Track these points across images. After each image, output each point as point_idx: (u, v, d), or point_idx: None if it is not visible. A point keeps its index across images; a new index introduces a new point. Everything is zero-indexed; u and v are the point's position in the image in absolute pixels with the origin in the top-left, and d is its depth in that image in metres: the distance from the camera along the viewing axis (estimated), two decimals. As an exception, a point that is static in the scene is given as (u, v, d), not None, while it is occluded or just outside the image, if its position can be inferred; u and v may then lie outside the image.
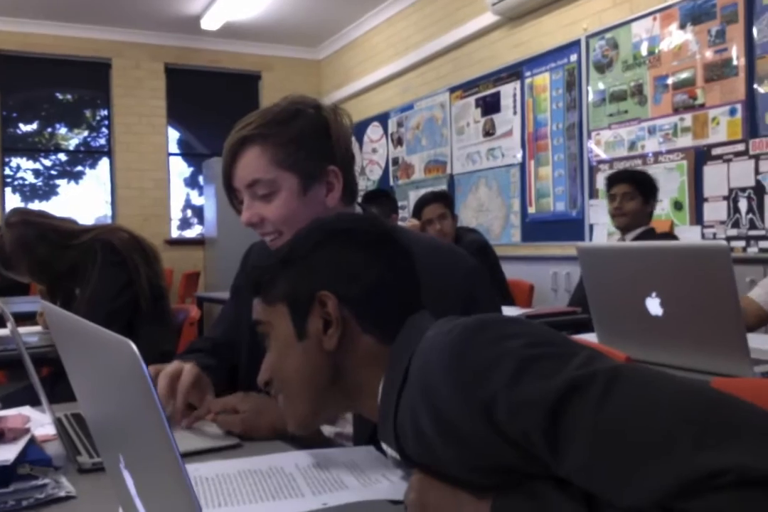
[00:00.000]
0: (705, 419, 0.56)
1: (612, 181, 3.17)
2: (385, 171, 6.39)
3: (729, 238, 3.46)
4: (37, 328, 2.40)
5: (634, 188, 3.08)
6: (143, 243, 2.26)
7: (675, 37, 3.70)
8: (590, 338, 1.85)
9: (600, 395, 0.60)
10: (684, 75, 3.66)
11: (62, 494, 0.87)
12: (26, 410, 1.29)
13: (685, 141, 3.67)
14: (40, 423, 1.16)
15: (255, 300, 0.93)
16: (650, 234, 3.07)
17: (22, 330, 2.29)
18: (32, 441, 0.97)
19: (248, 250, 1.57)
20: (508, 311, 2.81)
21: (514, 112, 4.84)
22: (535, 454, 0.63)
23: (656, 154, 3.83)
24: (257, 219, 1.27)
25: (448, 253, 1.31)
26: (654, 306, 1.62)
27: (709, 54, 3.53)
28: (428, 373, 0.72)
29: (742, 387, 1.14)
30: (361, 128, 6.67)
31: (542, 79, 4.60)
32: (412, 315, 0.87)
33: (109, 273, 2.13)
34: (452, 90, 5.44)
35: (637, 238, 3.04)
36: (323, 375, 0.87)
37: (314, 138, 1.26)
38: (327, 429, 1.15)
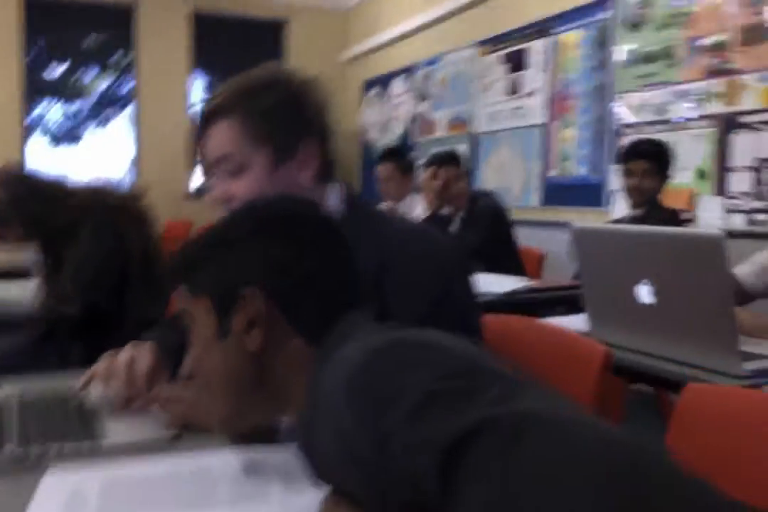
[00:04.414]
0: (622, 485, 0.50)
1: (630, 155, 3.01)
2: (409, 127, 6.25)
3: (752, 211, 3.33)
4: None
5: (653, 165, 2.94)
6: (135, 206, 2.22)
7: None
8: (580, 320, 1.79)
9: (504, 443, 0.54)
10: (718, 38, 3.47)
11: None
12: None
13: (715, 107, 3.50)
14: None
15: (179, 288, 0.87)
16: (657, 209, 2.97)
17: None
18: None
19: None
20: (514, 281, 2.75)
21: (541, 71, 4.67)
22: (429, 498, 0.58)
23: (684, 120, 3.67)
24: (226, 196, 1.21)
25: (425, 241, 1.23)
26: (646, 293, 1.55)
27: (745, 16, 3.34)
28: (333, 395, 0.67)
29: (715, 394, 1.08)
30: (385, 82, 6.52)
31: (571, 36, 4.41)
32: (346, 314, 0.82)
33: (99, 235, 2.10)
34: (479, 44, 5.26)
35: (645, 215, 2.93)
36: (246, 378, 0.81)
37: (287, 110, 1.19)
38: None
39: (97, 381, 1.20)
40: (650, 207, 3.03)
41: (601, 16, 4.19)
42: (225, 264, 0.82)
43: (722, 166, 3.49)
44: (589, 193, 4.26)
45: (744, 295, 1.95)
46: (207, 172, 1.26)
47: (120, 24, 6.80)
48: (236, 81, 1.23)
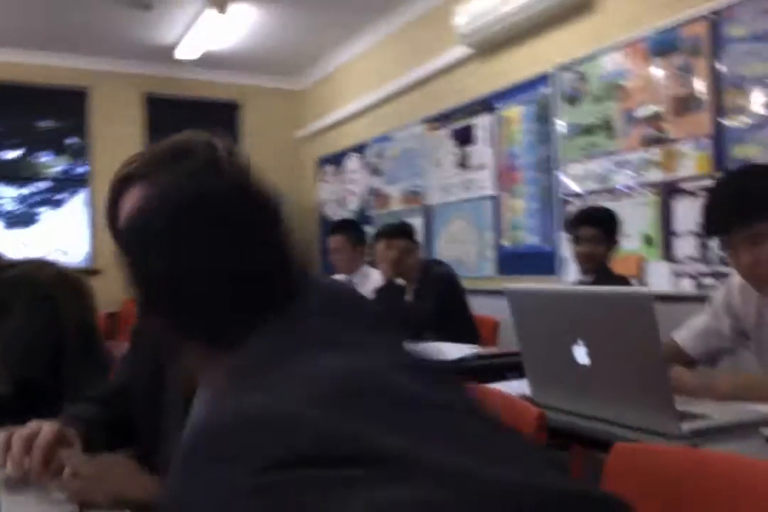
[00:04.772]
0: None
1: (577, 222, 3.07)
2: (363, 201, 6.33)
3: (700, 274, 3.38)
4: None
5: (601, 231, 3.00)
6: (72, 278, 2.17)
7: (644, 70, 3.66)
8: (524, 384, 1.76)
9: None
10: (652, 108, 3.61)
11: None
12: None
13: (655, 175, 3.60)
14: None
15: None
16: (607, 275, 3.00)
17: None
18: None
19: None
20: (463, 348, 2.71)
21: (487, 145, 4.79)
22: None
23: (626, 188, 3.76)
24: None
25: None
26: (581, 354, 1.53)
27: (675, 88, 3.48)
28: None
29: (643, 453, 1.05)
30: (339, 158, 6.63)
31: (514, 111, 4.55)
32: (268, 314, 0.77)
33: (33, 308, 2.03)
34: (427, 121, 5.40)
35: (595, 281, 2.97)
36: None
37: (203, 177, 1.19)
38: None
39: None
40: (600, 273, 3.07)
41: (540, 91, 4.33)
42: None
43: (667, 232, 3.56)
44: (542, 261, 4.30)
45: (686, 360, 1.95)
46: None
47: (74, 107, 6.85)
48: (152, 148, 1.23)
